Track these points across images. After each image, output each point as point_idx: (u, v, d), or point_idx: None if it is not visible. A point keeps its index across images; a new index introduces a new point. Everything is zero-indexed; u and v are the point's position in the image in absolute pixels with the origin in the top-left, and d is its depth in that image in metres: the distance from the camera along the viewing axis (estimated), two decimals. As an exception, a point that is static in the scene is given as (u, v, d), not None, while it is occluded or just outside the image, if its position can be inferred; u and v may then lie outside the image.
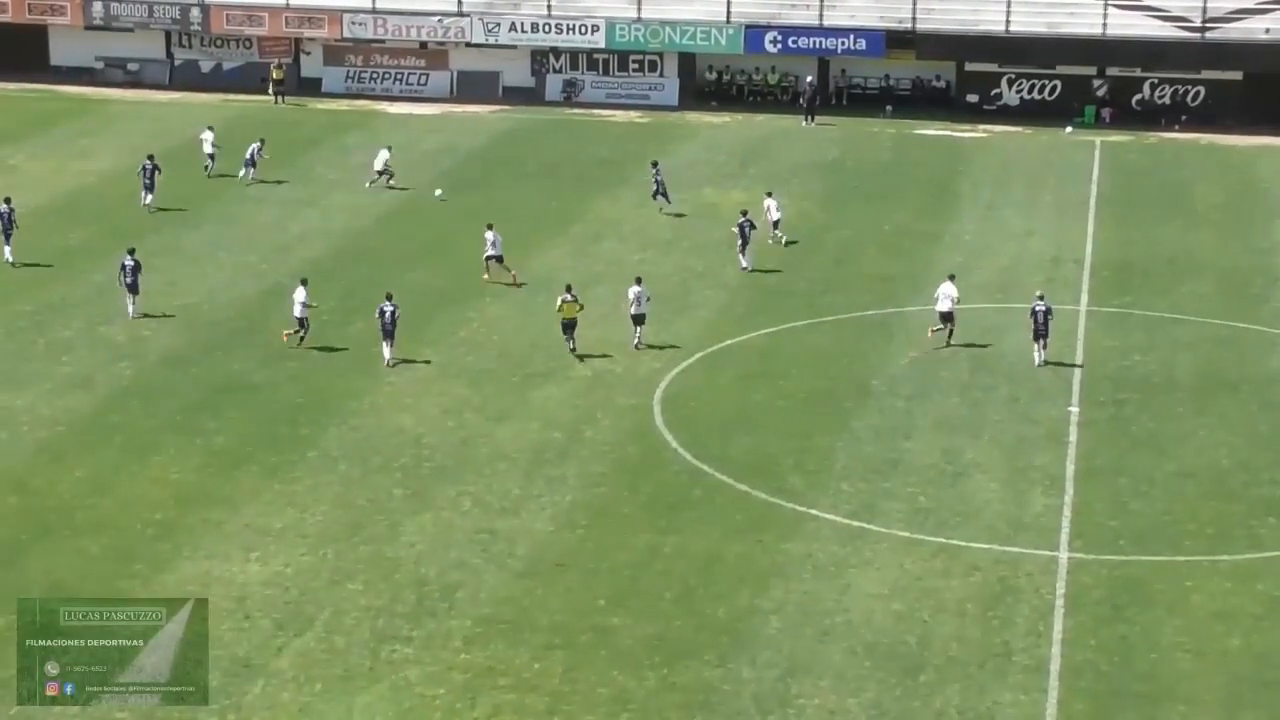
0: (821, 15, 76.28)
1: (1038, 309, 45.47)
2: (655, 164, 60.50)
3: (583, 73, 79.20)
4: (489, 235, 52.01)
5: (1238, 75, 74.75)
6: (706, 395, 43.23)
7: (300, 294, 45.90)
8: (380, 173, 62.69)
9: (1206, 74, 75.03)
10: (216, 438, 40.03)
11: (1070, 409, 42.53)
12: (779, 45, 76.33)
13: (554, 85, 79.36)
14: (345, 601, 32.53)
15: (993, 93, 76.99)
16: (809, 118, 74.24)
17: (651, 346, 45.94)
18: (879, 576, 33.85)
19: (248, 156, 63.23)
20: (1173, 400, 43.26)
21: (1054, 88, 76.61)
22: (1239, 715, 29.42)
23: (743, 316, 48.69)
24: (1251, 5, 73.98)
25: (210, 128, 64.72)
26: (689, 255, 54.40)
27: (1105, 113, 75.54)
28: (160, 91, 79.68)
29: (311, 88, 79.41)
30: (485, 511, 36.40)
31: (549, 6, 77.99)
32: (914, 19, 75.61)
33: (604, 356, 45.46)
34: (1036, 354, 45.41)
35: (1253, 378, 44.63)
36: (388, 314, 44.57)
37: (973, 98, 77.04)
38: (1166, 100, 75.89)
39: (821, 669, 30.49)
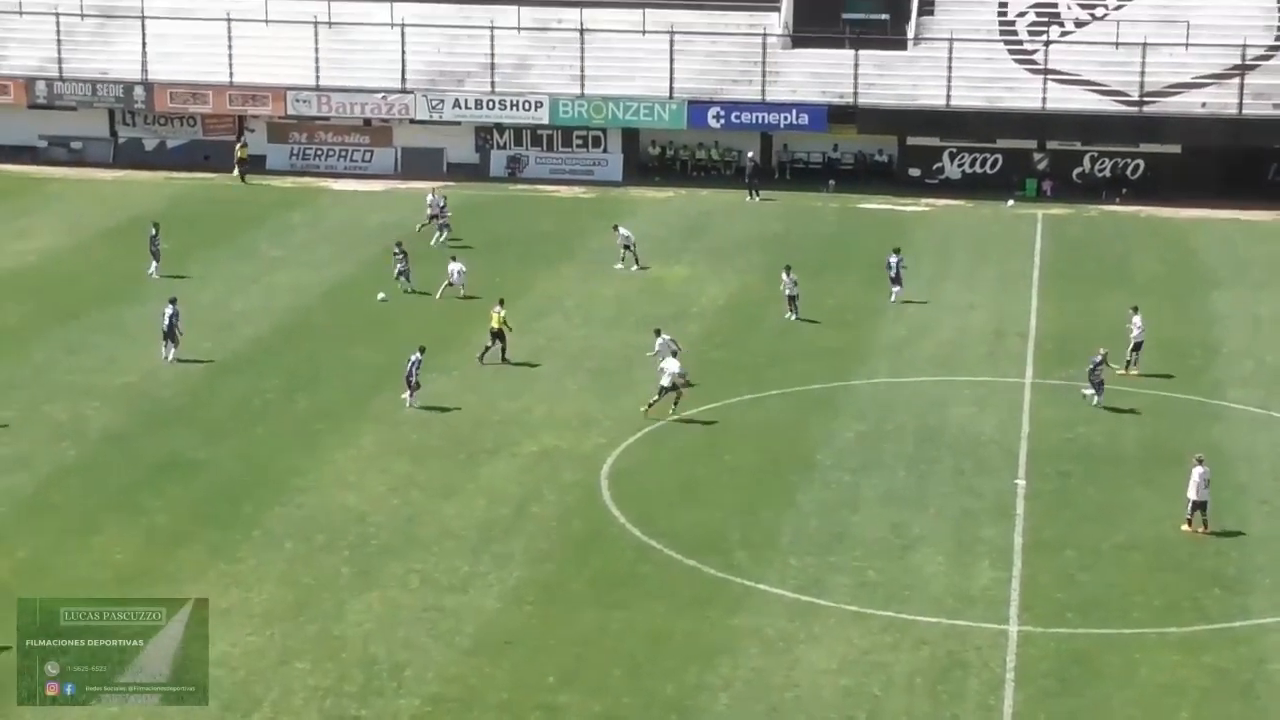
0: (764, 90, 76.79)
1: (1095, 359, 47.74)
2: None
3: (527, 149, 79.42)
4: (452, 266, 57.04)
5: (1176, 149, 75.55)
6: (652, 470, 43.15)
7: (673, 365, 46.36)
8: (626, 249, 62.64)
9: (1145, 147, 75.83)
10: (159, 516, 39.69)
11: (1017, 481, 42.62)
12: (722, 120, 76.72)
13: (498, 161, 79.54)
14: (293, 681, 32.21)
15: (934, 166, 77.59)
16: (753, 193, 74.55)
17: (601, 420, 45.97)
18: (827, 651, 33.75)
19: (433, 210, 66.09)
20: (1118, 471, 43.42)
21: (995, 161, 77.26)
22: (1189, 787, 29.40)
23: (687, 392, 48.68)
24: (1189, 80, 74.90)
25: (434, 190, 67.90)
26: (632, 331, 54.41)
27: (1046, 185, 76.20)
28: (104, 170, 79.49)
29: (256, 165, 79.29)
30: (433, 589, 36.16)
31: (492, 84, 78.22)
32: (855, 94, 76.16)
33: (550, 432, 45.35)
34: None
35: (1195, 448, 44.75)
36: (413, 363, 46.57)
37: (915, 171, 77.62)
38: (1107, 173, 76.62)
39: (771, 745, 30.34)
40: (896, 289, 58.04)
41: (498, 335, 50.46)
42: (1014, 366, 51.56)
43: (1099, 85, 75.50)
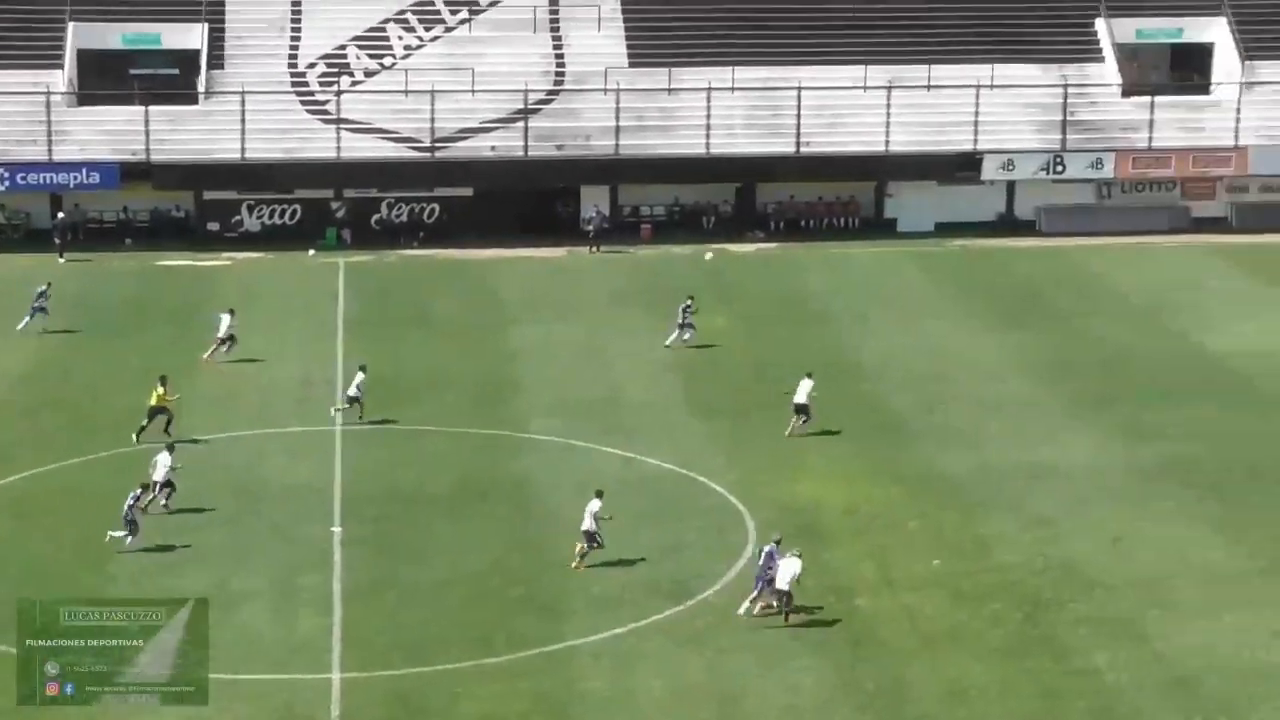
0: (50, 150, 74.63)
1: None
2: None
3: None
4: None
5: (469, 191, 77.94)
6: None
7: None
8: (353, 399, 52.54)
9: (440, 191, 77.87)
10: None
11: (334, 529, 42.92)
12: (7, 183, 73.86)
13: None
14: None
15: (234, 219, 77.20)
16: (62, 253, 72.21)
17: None
18: None
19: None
20: (432, 511, 44.34)
21: (294, 211, 77.57)
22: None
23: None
24: (476, 125, 77.40)
25: None
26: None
27: (346, 233, 77.12)
28: None
29: None
30: None
31: None
32: (148, 150, 74.95)
33: None
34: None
35: (503, 481, 46.40)
36: None
37: (214, 225, 77.01)
38: (404, 218, 78.19)
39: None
40: (676, 333, 59.66)
41: (158, 410, 48.94)
42: (324, 415, 51.85)
43: (392, 133, 77.02)
